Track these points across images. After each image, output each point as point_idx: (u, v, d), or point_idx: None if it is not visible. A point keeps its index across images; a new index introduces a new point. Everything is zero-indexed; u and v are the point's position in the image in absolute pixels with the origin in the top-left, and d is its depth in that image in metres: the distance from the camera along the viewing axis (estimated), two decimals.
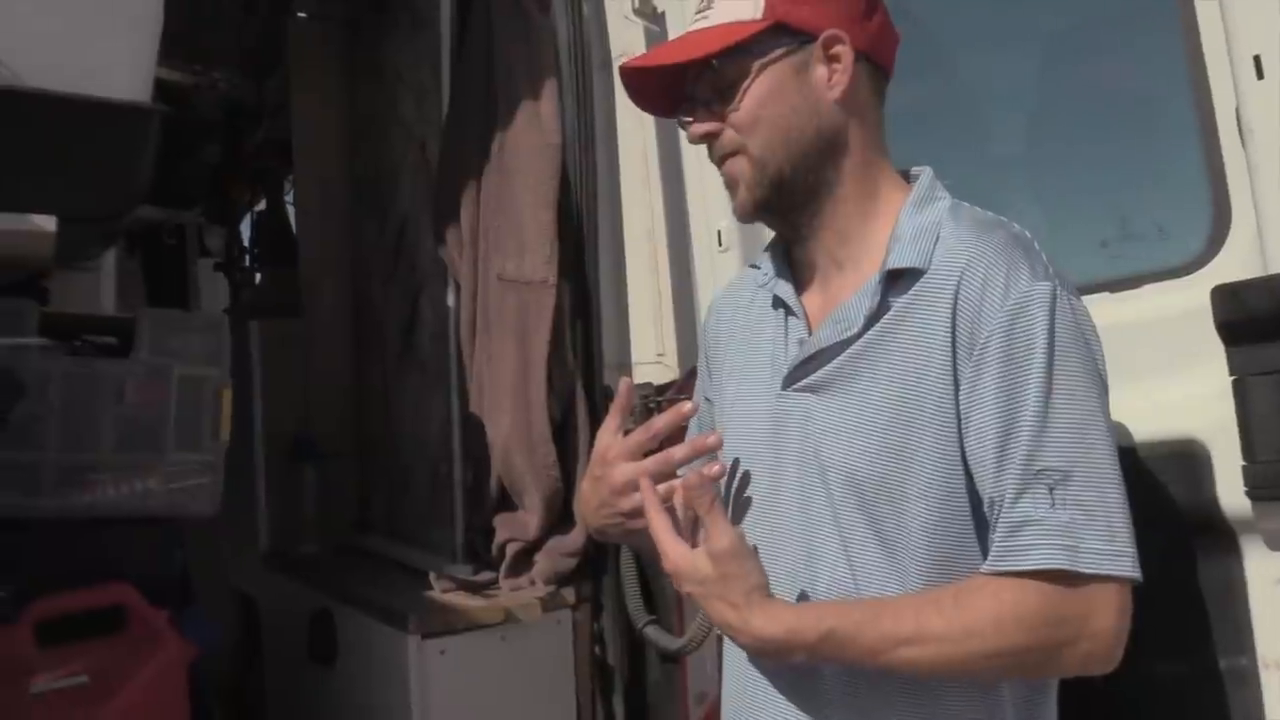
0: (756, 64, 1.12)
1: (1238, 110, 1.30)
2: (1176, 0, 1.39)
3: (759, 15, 1.12)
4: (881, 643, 1.01)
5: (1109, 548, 0.98)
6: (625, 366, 2.28)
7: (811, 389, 1.14)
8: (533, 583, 2.22)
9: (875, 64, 1.16)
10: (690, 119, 1.19)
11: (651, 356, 2.24)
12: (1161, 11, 1.44)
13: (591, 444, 2.16)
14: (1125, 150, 1.65)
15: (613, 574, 2.17)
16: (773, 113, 1.13)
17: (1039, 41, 1.83)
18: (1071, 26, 1.79)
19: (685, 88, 1.18)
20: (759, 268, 1.28)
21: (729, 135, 1.15)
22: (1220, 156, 1.35)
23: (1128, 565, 0.99)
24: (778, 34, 1.12)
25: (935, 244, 1.09)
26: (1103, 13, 1.71)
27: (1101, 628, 0.99)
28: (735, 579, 1.05)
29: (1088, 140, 1.72)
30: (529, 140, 2.24)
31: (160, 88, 2.96)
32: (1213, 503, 1.30)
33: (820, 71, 1.13)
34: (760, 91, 1.13)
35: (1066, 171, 1.77)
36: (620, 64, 1.23)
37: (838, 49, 1.12)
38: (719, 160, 1.18)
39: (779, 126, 1.13)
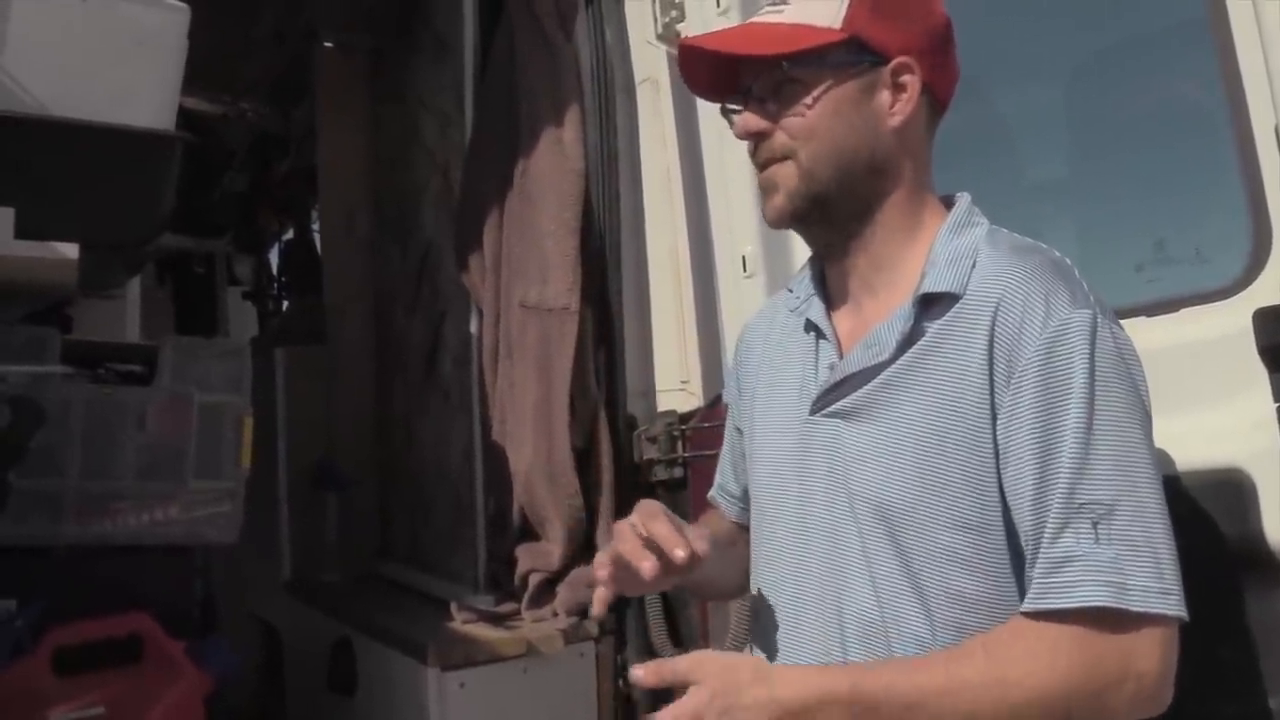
0: (826, 75, 1.09)
1: (1277, 128, 1.26)
2: (1211, 18, 1.35)
3: (838, 25, 1.08)
4: (915, 693, 0.95)
5: (1157, 585, 0.94)
6: (649, 393, 2.26)
7: (841, 414, 1.11)
8: (555, 614, 2.18)
9: (934, 98, 1.14)
10: (738, 109, 1.15)
11: (675, 384, 2.21)
12: (1196, 30, 1.41)
13: (614, 471, 2.17)
14: (1161, 171, 1.61)
15: (637, 606, 2.14)
16: (831, 127, 1.09)
17: (1072, 64, 1.80)
18: (1105, 48, 1.75)
19: (740, 77, 1.14)
20: (792, 291, 1.25)
21: (781, 139, 1.11)
22: (1259, 175, 1.31)
23: (1175, 603, 0.94)
24: (852, 49, 1.09)
25: (972, 269, 1.06)
26: (1137, 33, 1.68)
27: (1146, 669, 0.94)
28: (734, 671, 0.97)
29: (1122, 162, 1.68)
30: (552, 166, 2.23)
31: (189, 117, 3.00)
32: (1258, 535, 1.25)
33: (884, 97, 1.10)
34: (824, 103, 1.09)
35: (1101, 194, 1.74)
36: (683, 40, 1.20)
37: (906, 78, 1.10)
38: (763, 162, 1.14)
39: (834, 142, 1.10)
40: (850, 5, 1.09)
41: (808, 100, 1.09)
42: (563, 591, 2.20)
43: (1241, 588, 1.27)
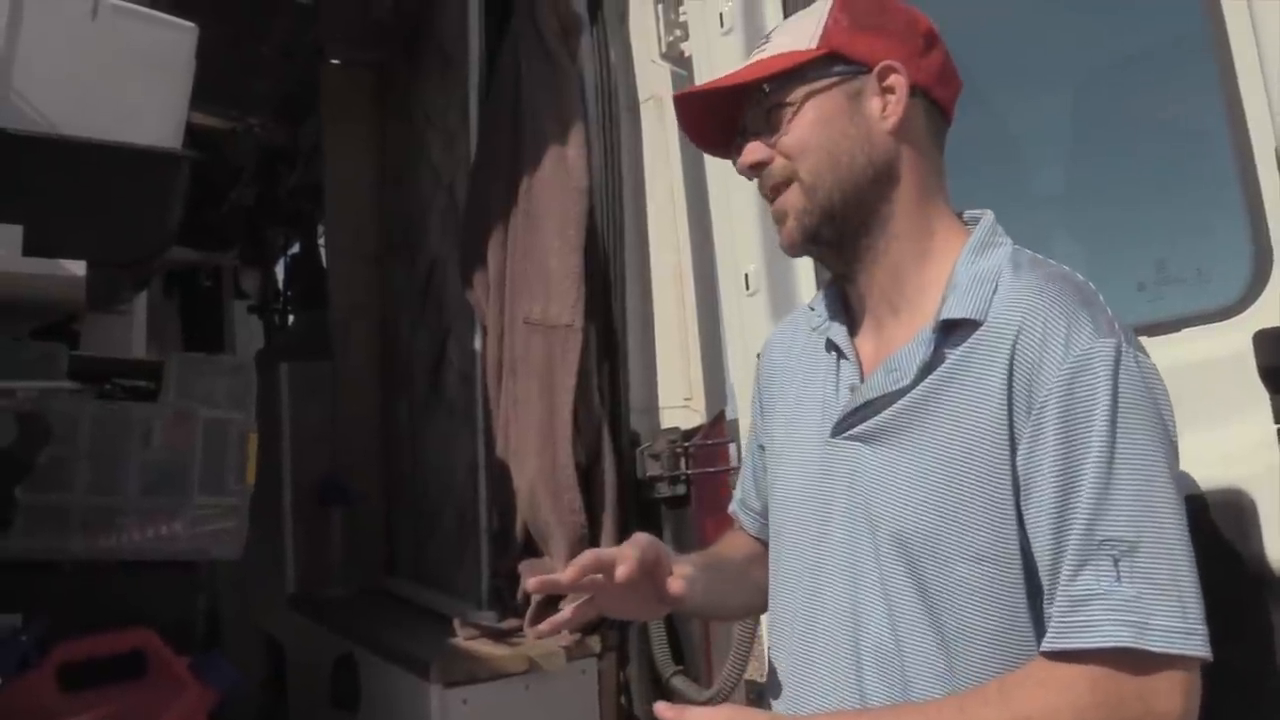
0: (807, 89, 1.10)
1: (1277, 150, 1.26)
2: (1213, 38, 1.36)
3: (814, 45, 1.10)
4: None
5: (1180, 624, 0.92)
6: (652, 410, 2.26)
7: (862, 438, 1.10)
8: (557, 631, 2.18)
9: (933, 101, 1.13)
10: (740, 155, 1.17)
11: (678, 400, 2.22)
12: (1197, 50, 1.41)
13: (618, 488, 2.17)
14: (1162, 191, 1.61)
15: (640, 623, 2.13)
16: (823, 138, 1.10)
17: (1074, 82, 1.81)
18: (1106, 66, 1.76)
19: (738, 124, 1.16)
20: (814, 309, 1.25)
21: (779, 163, 1.12)
22: (1260, 196, 1.31)
23: (1198, 643, 0.92)
24: (832, 62, 1.10)
25: (993, 293, 1.04)
26: (1138, 52, 1.68)
27: (1167, 709, 0.92)
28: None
29: (1124, 181, 1.69)
30: (556, 184, 2.24)
31: (198, 132, 3.02)
32: (1259, 557, 1.24)
33: (874, 102, 1.10)
34: (811, 116, 1.10)
35: (1102, 213, 1.74)
36: (675, 94, 1.22)
37: (892, 79, 1.10)
38: (770, 191, 1.14)
39: (829, 152, 1.10)
40: (826, 25, 1.11)
41: (790, 117, 1.11)
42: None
43: (1244, 610, 1.26)
